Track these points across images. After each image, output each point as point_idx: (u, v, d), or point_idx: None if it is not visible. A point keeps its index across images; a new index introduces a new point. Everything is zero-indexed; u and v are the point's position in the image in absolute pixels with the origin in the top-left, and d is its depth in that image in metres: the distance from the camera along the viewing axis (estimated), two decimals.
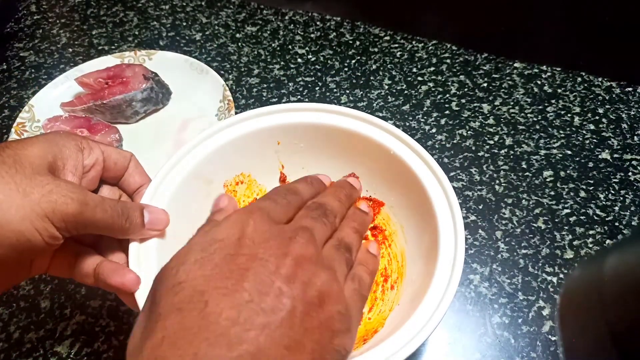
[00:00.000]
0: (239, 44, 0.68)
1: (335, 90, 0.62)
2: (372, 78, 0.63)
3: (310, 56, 0.66)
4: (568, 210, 0.50)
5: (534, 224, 0.49)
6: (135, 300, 0.32)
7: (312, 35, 0.69)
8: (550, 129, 0.57)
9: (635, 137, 0.55)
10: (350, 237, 0.31)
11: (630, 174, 0.52)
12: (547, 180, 0.52)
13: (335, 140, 0.43)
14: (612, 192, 0.51)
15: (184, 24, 0.72)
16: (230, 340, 0.21)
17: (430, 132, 0.57)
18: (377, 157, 0.42)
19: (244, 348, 0.21)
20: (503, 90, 0.61)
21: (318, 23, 0.71)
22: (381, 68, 0.64)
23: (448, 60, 0.65)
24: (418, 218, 0.40)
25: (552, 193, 0.51)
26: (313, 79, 0.64)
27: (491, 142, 0.56)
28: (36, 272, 0.33)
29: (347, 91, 0.62)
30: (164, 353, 0.21)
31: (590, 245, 0.47)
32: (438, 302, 0.32)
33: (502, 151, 0.55)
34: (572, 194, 0.51)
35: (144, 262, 0.34)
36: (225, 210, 0.31)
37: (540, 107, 0.59)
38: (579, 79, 0.61)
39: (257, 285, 0.23)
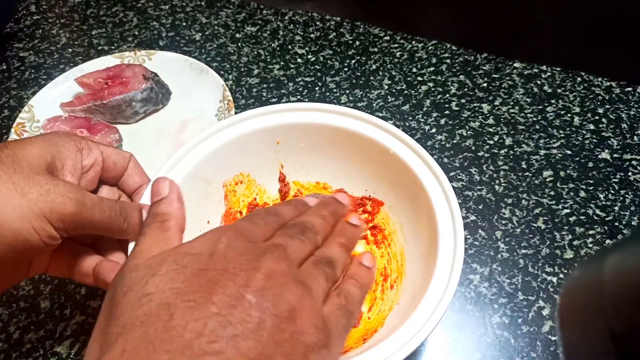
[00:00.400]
0: (239, 44, 0.68)
1: (335, 90, 0.62)
2: (372, 78, 0.63)
3: (310, 56, 0.66)
4: (568, 210, 0.50)
5: (534, 224, 0.49)
6: None
7: (312, 36, 0.69)
8: (550, 129, 0.57)
9: (635, 137, 0.55)
10: (334, 252, 0.30)
11: (630, 174, 0.52)
12: (547, 180, 0.52)
13: (335, 140, 0.43)
14: (612, 192, 0.51)
15: (184, 24, 0.72)
16: (193, 352, 0.21)
17: (430, 132, 0.57)
18: (377, 156, 0.42)
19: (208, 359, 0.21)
20: (503, 90, 0.61)
21: (318, 23, 0.71)
22: (381, 68, 0.64)
23: (448, 60, 0.65)
24: (417, 217, 0.40)
25: (552, 193, 0.51)
26: (313, 79, 0.64)
27: (491, 142, 0.56)
28: (35, 272, 0.33)
29: (347, 91, 0.62)
30: None
31: (590, 245, 0.47)
32: (437, 302, 0.32)
33: (502, 151, 0.55)
34: (572, 194, 0.51)
35: None
36: (169, 200, 0.31)
37: (540, 107, 0.59)
38: (579, 79, 0.61)
39: (226, 298, 0.23)
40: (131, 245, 0.34)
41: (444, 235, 0.35)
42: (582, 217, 0.49)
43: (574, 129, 0.57)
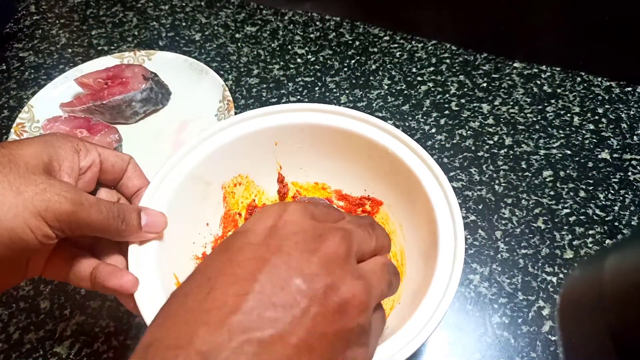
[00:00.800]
0: (239, 44, 0.68)
1: (334, 90, 0.62)
2: (371, 78, 0.63)
3: (309, 56, 0.66)
4: (568, 210, 0.50)
5: (534, 224, 0.49)
6: (135, 302, 0.32)
7: (312, 36, 0.69)
8: (549, 128, 0.57)
9: (634, 136, 0.55)
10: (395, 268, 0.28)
11: (630, 173, 0.52)
12: (547, 180, 0.52)
13: (333, 140, 0.43)
14: (612, 192, 0.51)
15: (184, 24, 0.72)
16: (230, 329, 0.20)
17: (430, 132, 0.57)
18: (376, 157, 0.42)
19: (244, 338, 0.20)
20: (502, 90, 0.61)
21: (317, 23, 0.71)
22: (381, 68, 0.64)
23: (447, 60, 0.65)
24: (417, 217, 0.40)
25: (552, 193, 0.51)
26: (312, 79, 0.63)
27: (491, 142, 0.56)
28: (32, 274, 0.33)
29: (347, 91, 0.62)
30: (160, 335, 0.21)
31: (590, 245, 0.47)
32: (438, 302, 0.32)
33: (502, 151, 0.55)
34: (571, 193, 0.51)
35: (143, 264, 0.34)
36: None
37: (539, 107, 0.59)
38: (579, 79, 0.61)
39: (273, 278, 0.22)
40: (131, 247, 0.34)
41: (444, 235, 0.35)
42: (582, 217, 0.49)
43: (573, 129, 0.57)
